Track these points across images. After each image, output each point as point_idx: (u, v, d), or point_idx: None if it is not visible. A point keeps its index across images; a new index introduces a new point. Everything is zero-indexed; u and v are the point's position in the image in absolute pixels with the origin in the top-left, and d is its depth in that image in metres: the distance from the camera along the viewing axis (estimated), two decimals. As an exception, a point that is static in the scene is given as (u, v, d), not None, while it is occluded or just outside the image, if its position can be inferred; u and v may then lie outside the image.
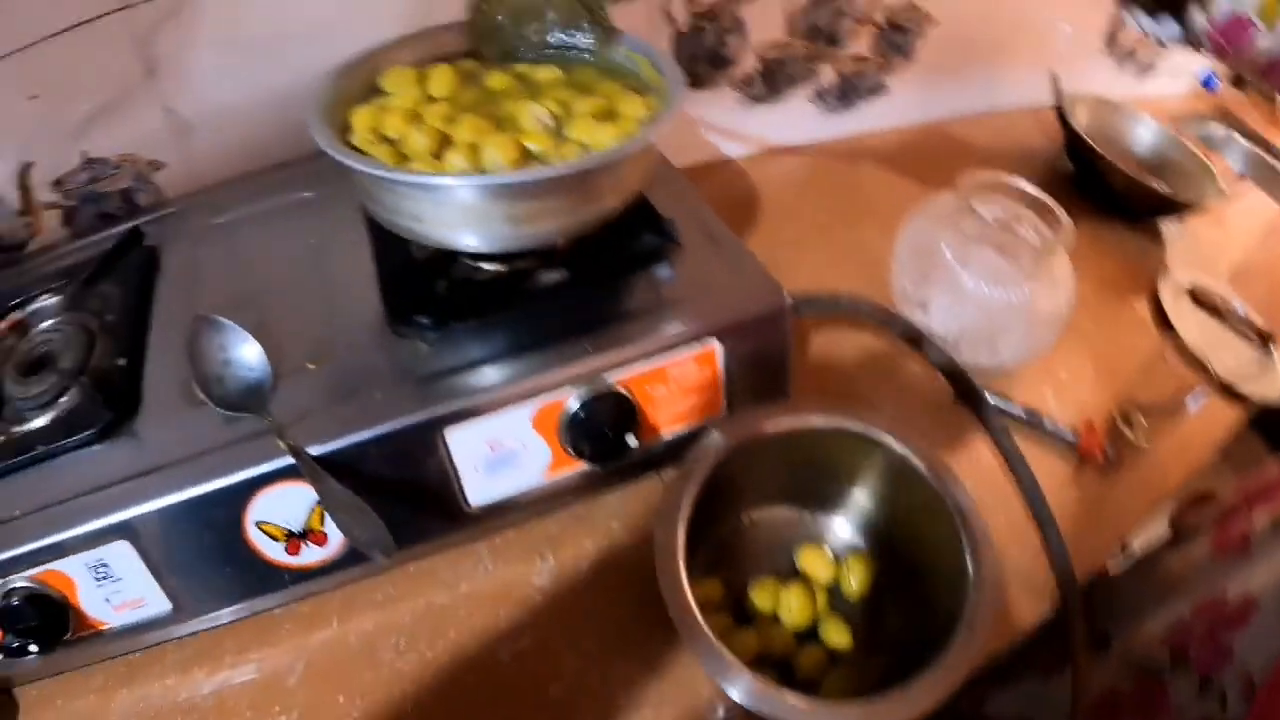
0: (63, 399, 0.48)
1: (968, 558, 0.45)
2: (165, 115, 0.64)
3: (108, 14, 0.58)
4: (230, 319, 0.46)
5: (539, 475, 0.50)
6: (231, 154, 0.66)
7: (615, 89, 0.51)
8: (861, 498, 0.54)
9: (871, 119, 0.88)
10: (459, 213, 0.45)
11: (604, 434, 0.48)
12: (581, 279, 0.52)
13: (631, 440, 0.48)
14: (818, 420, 0.52)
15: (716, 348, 0.51)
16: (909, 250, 0.67)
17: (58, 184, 0.63)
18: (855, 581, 0.51)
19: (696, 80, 0.76)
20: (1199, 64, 1.26)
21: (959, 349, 0.66)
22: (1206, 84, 1.27)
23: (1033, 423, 0.65)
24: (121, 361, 0.50)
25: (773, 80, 0.79)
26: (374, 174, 0.43)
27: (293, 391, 0.47)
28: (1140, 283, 0.81)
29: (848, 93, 0.85)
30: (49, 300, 0.56)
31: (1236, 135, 1.29)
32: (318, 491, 0.43)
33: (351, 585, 0.51)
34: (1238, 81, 1.29)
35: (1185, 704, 0.45)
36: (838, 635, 0.49)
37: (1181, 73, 1.26)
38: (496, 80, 0.53)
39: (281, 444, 0.44)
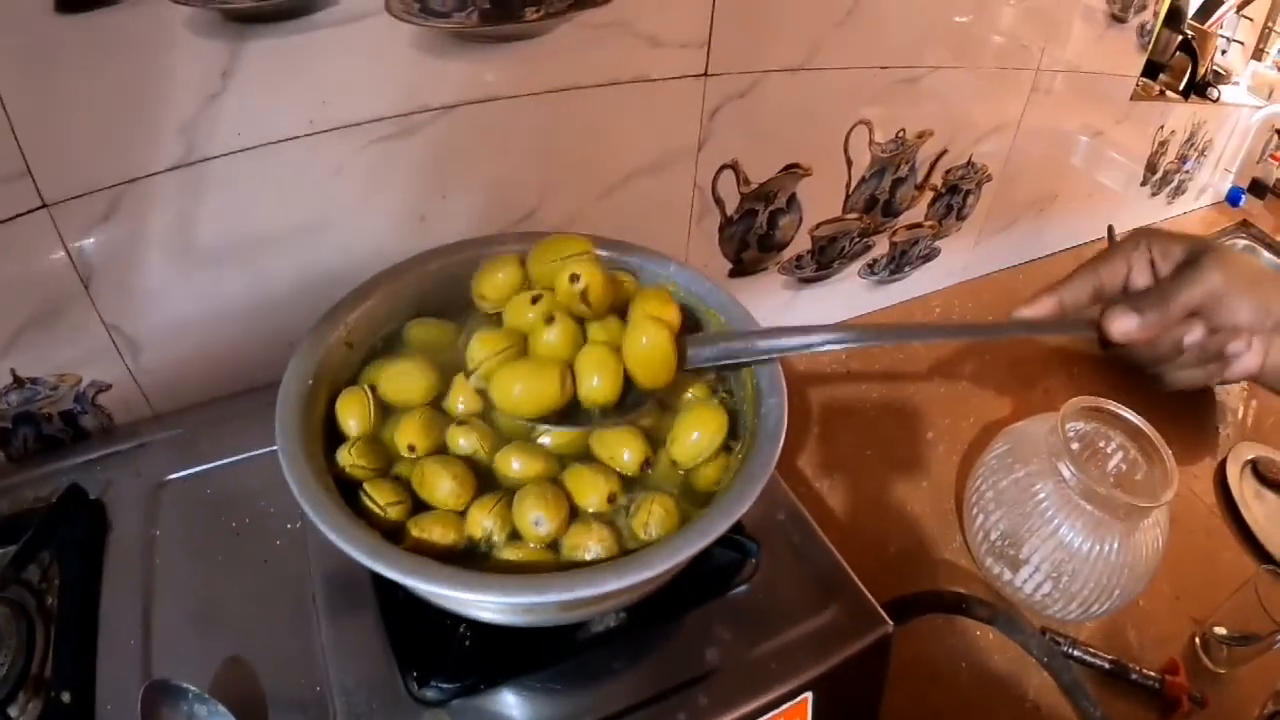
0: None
1: None
2: (107, 331, 0.52)
3: (25, 214, 0.46)
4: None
5: None
6: (190, 376, 0.54)
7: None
8: None
9: (922, 284, 0.79)
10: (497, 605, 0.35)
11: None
12: (643, 620, 0.42)
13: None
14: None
15: (809, 699, 0.41)
16: (994, 493, 0.59)
17: (-14, 403, 0.51)
18: None
19: (741, 267, 0.65)
20: (1226, 183, 1.22)
21: (1047, 604, 0.59)
22: (1232, 200, 1.23)
23: (1118, 674, 0.59)
24: (66, 698, 0.40)
25: (824, 258, 0.69)
26: (400, 580, 0.32)
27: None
28: (1198, 455, 0.77)
29: (900, 262, 0.76)
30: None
31: (1258, 247, 1.25)
32: None
33: None
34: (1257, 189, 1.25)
35: None
36: None
37: (1207, 190, 1.22)
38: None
39: None
